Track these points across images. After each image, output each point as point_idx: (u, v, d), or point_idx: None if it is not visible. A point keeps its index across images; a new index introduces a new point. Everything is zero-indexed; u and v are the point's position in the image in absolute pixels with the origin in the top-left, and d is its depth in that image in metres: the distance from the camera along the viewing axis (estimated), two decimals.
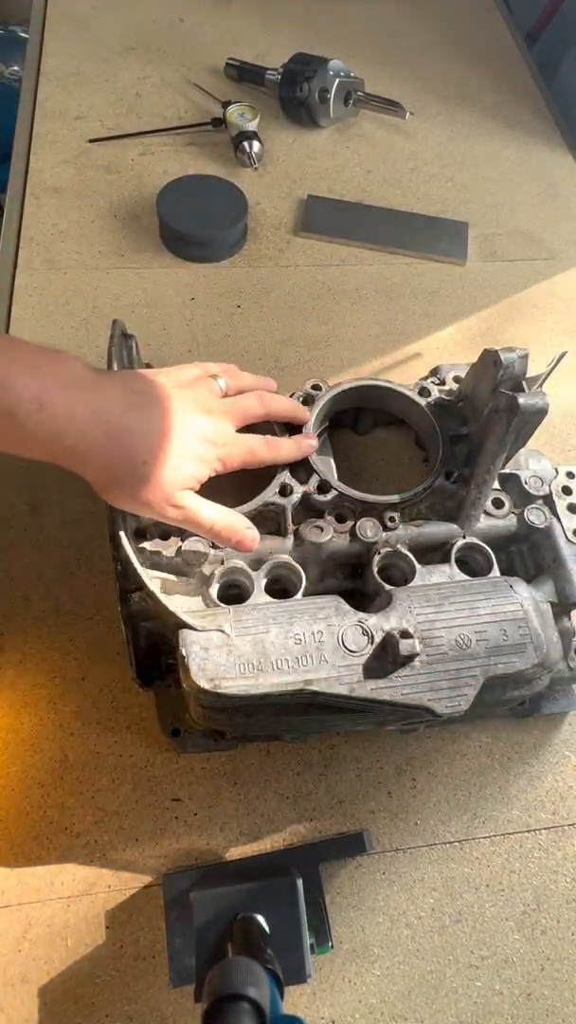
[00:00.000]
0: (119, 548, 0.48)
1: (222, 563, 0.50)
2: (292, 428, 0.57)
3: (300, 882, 0.46)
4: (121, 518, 0.49)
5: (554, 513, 0.55)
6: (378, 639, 0.45)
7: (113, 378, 0.46)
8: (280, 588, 0.52)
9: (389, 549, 0.52)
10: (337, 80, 0.94)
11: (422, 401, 0.60)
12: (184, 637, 0.45)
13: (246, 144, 0.91)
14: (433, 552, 0.54)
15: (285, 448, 0.53)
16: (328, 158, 0.97)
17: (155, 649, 0.55)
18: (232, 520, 0.49)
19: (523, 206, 0.96)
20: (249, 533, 0.49)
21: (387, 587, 0.49)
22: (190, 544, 0.50)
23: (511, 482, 0.56)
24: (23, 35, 1.56)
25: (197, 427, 0.48)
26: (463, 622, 0.47)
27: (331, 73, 0.94)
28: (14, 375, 0.40)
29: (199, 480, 0.48)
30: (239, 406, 0.52)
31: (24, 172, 0.89)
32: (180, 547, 0.50)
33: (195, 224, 0.82)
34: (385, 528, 0.53)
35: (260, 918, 0.44)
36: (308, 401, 0.59)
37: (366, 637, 0.46)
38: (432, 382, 0.61)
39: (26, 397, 0.40)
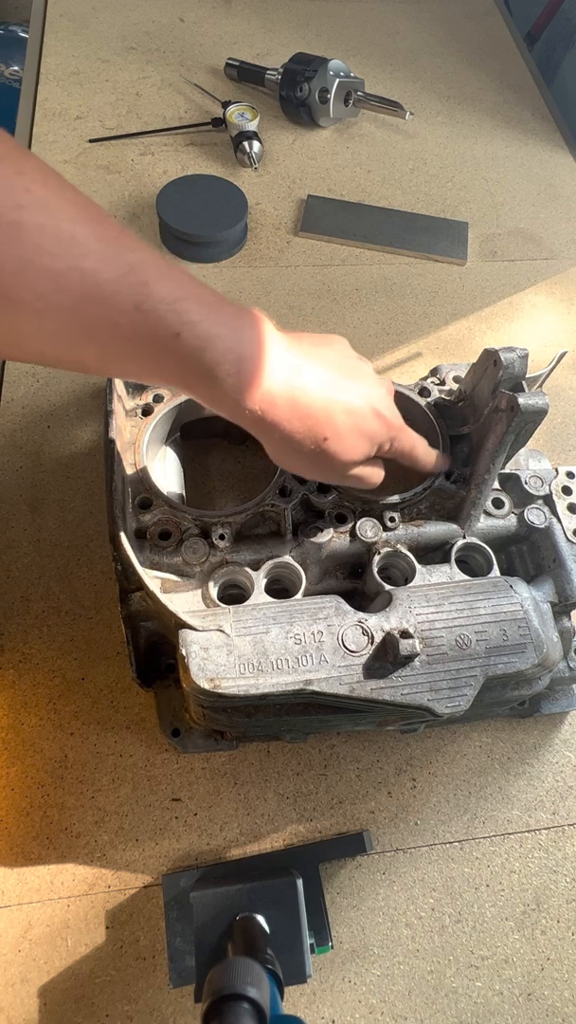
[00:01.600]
0: (119, 548, 0.48)
1: (222, 563, 0.50)
2: None
3: (300, 882, 0.46)
4: (121, 518, 0.49)
5: (554, 513, 0.55)
6: (378, 639, 0.45)
7: (311, 349, 0.45)
8: (280, 588, 0.52)
9: (389, 549, 0.52)
10: (337, 80, 0.94)
11: (422, 401, 0.60)
12: (184, 637, 0.45)
13: (246, 144, 0.91)
14: (433, 552, 0.54)
15: (436, 460, 0.54)
16: (328, 158, 0.97)
17: (155, 649, 0.55)
18: (381, 475, 0.51)
19: (523, 206, 0.96)
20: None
21: (387, 587, 0.49)
22: (190, 544, 0.50)
23: (511, 482, 0.56)
24: (23, 35, 1.56)
25: (376, 402, 0.47)
26: (463, 622, 0.47)
27: (331, 73, 0.94)
28: (218, 334, 0.38)
29: (368, 457, 0.48)
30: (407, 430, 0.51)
31: None
32: (180, 547, 0.50)
33: (195, 224, 0.82)
34: (385, 528, 0.53)
35: (260, 918, 0.44)
36: None
37: (366, 637, 0.46)
38: (432, 382, 0.61)
39: (228, 360, 0.38)
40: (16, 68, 1.53)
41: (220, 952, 0.43)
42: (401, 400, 0.61)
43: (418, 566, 0.51)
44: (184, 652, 0.44)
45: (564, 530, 0.54)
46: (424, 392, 0.61)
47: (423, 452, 0.52)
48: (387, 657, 0.45)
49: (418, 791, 0.57)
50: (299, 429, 0.43)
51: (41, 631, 0.60)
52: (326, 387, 0.43)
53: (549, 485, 0.56)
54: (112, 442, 0.53)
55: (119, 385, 0.56)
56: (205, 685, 0.43)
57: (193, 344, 0.37)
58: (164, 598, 0.47)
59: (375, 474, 0.49)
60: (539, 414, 0.48)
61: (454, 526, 0.54)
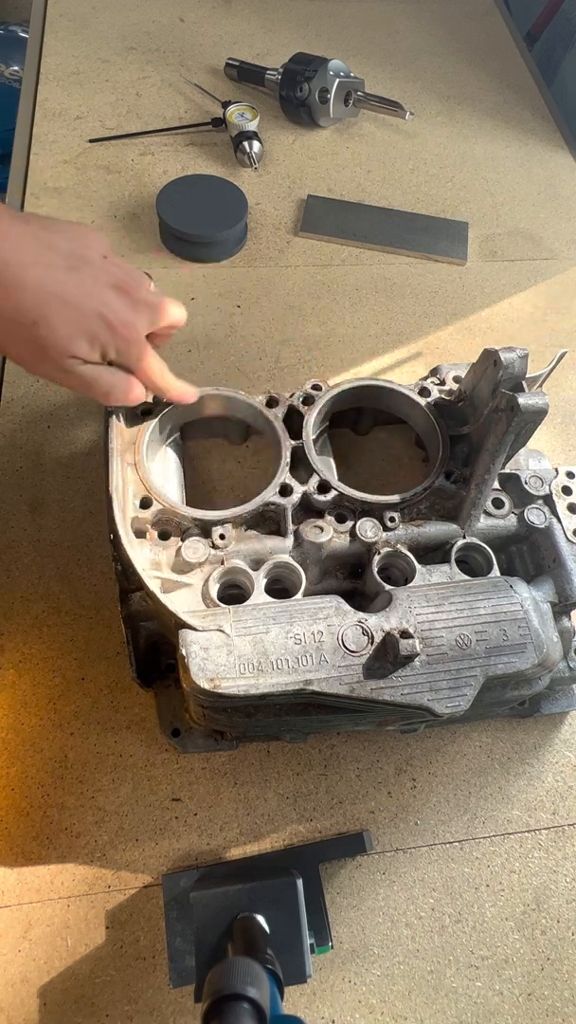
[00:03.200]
0: (119, 548, 0.48)
1: (222, 563, 0.50)
2: None
3: (300, 882, 0.46)
4: (121, 518, 0.49)
5: (554, 513, 0.55)
6: (378, 639, 0.45)
7: (28, 223, 0.43)
8: (280, 588, 0.52)
9: (389, 549, 0.52)
10: (337, 80, 0.94)
11: (422, 401, 0.60)
12: (184, 637, 0.45)
13: (246, 144, 0.91)
14: (433, 552, 0.54)
15: (176, 387, 0.52)
16: (328, 158, 0.97)
17: (155, 649, 0.55)
18: (128, 390, 0.48)
19: (523, 206, 0.96)
20: (138, 391, 0.49)
21: (387, 587, 0.49)
22: (190, 544, 0.50)
23: (511, 482, 0.56)
24: (23, 35, 1.56)
25: (105, 306, 0.44)
26: (463, 622, 0.47)
27: (331, 73, 0.94)
28: None
29: (88, 357, 0.45)
30: (167, 306, 0.48)
31: (24, 172, 0.89)
32: (180, 547, 0.50)
33: (195, 224, 0.82)
34: (385, 528, 0.53)
35: (260, 918, 0.44)
36: (308, 401, 0.59)
37: (366, 637, 0.46)
38: (432, 382, 0.61)
39: None
40: (16, 68, 1.54)
41: (220, 952, 0.43)
42: (401, 400, 0.61)
43: (418, 566, 0.51)
44: (184, 652, 0.44)
45: (564, 530, 0.54)
46: (424, 392, 0.61)
47: (161, 377, 0.50)
48: (387, 657, 0.45)
49: (418, 791, 0.57)
50: (5, 307, 0.41)
51: (41, 631, 0.60)
52: (42, 269, 0.41)
53: (549, 485, 0.56)
54: (111, 443, 0.53)
55: None
56: (205, 685, 0.43)
57: None
58: (164, 598, 0.47)
59: (105, 381, 0.47)
60: (539, 414, 0.48)
61: (454, 526, 0.54)
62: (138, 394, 0.50)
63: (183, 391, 0.54)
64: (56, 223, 0.44)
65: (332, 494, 0.53)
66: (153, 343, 0.50)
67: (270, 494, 0.53)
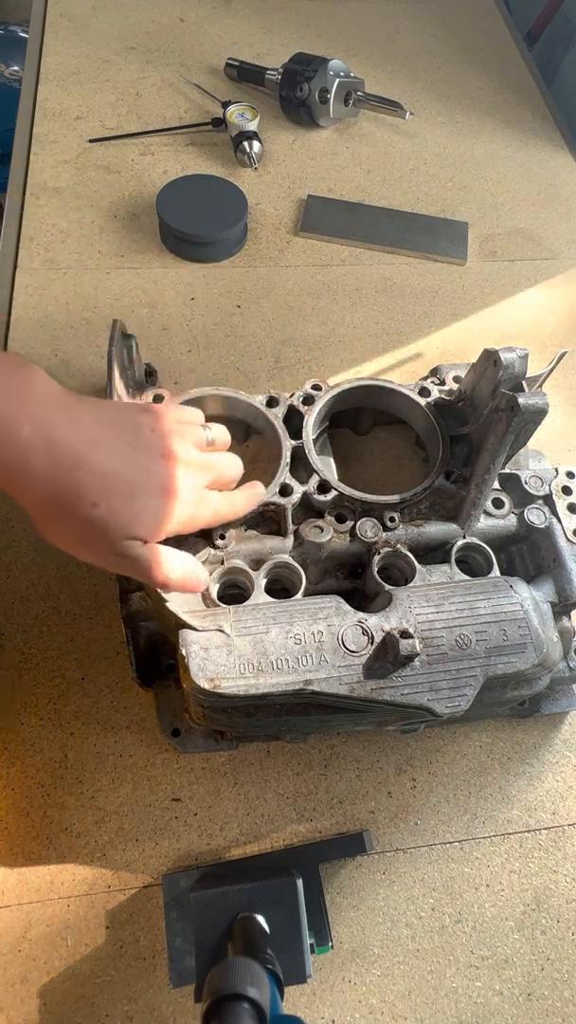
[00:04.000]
0: None
1: (222, 563, 0.50)
2: None
3: (300, 882, 0.46)
4: None
5: (554, 513, 0.55)
6: (378, 639, 0.45)
7: (81, 402, 0.40)
8: (280, 588, 0.52)
9: (389, 549, 0.52)
10: (337, 80, 0.94)
11: (422, 401, 0.60)
12: (184, 637, 0.45)
13: (246, 144, 0.91)
14: (433, 552, 0.54)
15: (242, 504, 0.50)
16: (328, 158, 0.97)
17: (155, 649, 0.55)
18: (189, 571, 0.45)
19: (523, 206, 0.96)
20: (202, 581, 0.47)
21: (387, 587, 0.49)
22: (190, 544, 0.50)
23: (511, 482, 0.56)
24: (23, 35, 1.56)
25: (167, 478, 0.42)
26: (463, 622, 0.47)
27: (331, 73, 0.94)
28: None
29: (151, 539, 0.42)
30: (220, 465, 0.47)
31: (24, 172, 0.89)
32: (180, 547, 0.50)
33: (195, 224, 0.82)
34: (385, 528, 0.53)
35: (260, 918, 0.44)
36: (308, 401, 0.59)
37: (366, 637, 0.46)
38: (432, 382, 0.61)
39: None
40: (16, 68, 1.54)
41: (220, 952, 0.43)
42: (401, 400, 0.61)
43: (418, 566, 0.51)
44: (184, 652, 0.44)
45: (564, 530, 0.54)
46: (424, 392, 0.61)
47: (230, 508, 0.49)
48: (387, 657, 0.45)
49: (418, 791, 0.57)
50: (62, 490, 0.38)
51: (41, 631, 0.60)
52: (103, 448, 0.39)
53: (549, 485, 0.56)
54: None
55: (119, 385, 0.56)
56: (205, 685, 0.43)
57: None
58: (164, 598, 0.47)
59: (166, 560, 0.43)
60: (539, 414, 0.48)
61: (454, 526, 0.54)
62: (203, 579, 0.47)
63: (252, 499, 0.51)
64: (108, 402, 0.42)
65: (332, 494, 0.53)
66: None
67: (270, 494, 0.53)
